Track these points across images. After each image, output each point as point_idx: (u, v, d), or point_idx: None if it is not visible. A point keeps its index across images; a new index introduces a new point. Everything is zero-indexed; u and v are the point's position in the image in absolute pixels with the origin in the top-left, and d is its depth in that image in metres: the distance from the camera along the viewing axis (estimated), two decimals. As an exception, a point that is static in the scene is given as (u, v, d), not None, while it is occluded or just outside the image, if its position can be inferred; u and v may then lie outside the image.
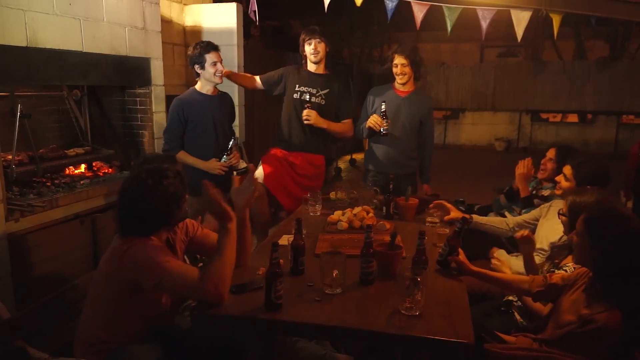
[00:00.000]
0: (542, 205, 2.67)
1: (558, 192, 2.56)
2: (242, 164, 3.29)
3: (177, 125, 3.09)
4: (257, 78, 3.52)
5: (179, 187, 1.83)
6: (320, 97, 3.31)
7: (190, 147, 3.12)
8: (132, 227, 1.79)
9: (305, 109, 3.21)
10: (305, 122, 3.23)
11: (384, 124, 3.16)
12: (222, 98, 3.26)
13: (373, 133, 3.27)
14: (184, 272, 1.71)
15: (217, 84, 3.16)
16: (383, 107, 3.16)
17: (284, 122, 3.38)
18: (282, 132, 3.40)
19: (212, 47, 3.04)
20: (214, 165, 3.05)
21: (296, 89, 3.31)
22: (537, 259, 2.38)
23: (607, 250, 1.61)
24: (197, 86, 3.19)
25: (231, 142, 3.07)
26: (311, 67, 3.33)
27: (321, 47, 3.24)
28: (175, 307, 2.02)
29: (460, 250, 2.00)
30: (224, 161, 3.07)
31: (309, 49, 3.25)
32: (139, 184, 1.79)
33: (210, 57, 3.02)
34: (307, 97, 3.26)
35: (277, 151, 3.41)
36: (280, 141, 3.41)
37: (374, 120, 3.20)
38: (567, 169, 2.45)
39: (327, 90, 3.30)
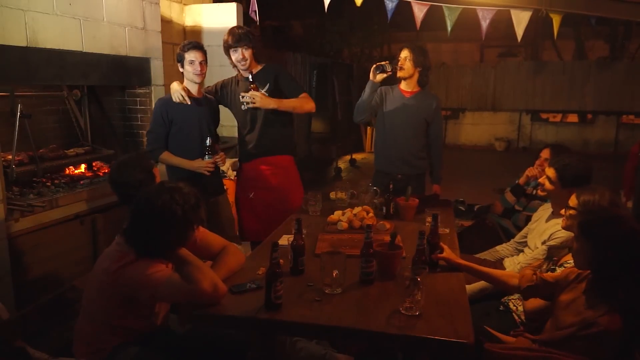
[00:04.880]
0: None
1: (542, 193, 2.62)
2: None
3: (162, 126, 2.98)
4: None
5: (200, 210, 1.81)
6: None
7: (174, 148, 3.02)
8: (153, 251, 1.76)
9: (249, 90, 3.02)
10: (251, 105, 3.04)
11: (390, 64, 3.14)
12: (206, 101, 3.14)
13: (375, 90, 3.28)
14: (176, 278, 1.71)
15: (196, 83, 3.04)
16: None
17: (242, 134, 3.28)
18: (243, 145, 3.29)
19: (193, 46, 2.93)
20: (199, 164, 2.96)
21: (241, 100, 3.14)
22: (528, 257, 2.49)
23: (604, 251, 1.61)
24: None
25: (208, 140, 3.00)
26: (245, 72, 3.19)
27: (248, 53, 3.08)
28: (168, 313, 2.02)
29: (443, 245, 2.01)
30: (209, 159, 3.00)
31: (235, 56, 3.11)
32: (170, 212, 1.71)
33: (188, 56, 2.92)
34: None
35: (245, 169, 3.30)
36: (243, 154, 3.30)
37: (379, 63, 3.18)
38: (551, 172, 2.43)
39: (268, 84, 3.15)
